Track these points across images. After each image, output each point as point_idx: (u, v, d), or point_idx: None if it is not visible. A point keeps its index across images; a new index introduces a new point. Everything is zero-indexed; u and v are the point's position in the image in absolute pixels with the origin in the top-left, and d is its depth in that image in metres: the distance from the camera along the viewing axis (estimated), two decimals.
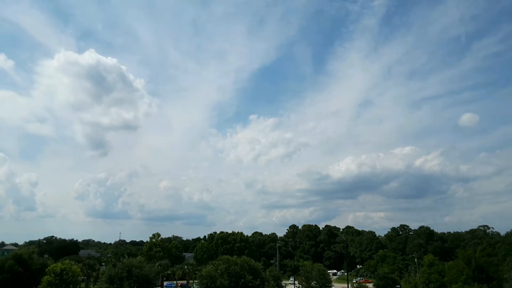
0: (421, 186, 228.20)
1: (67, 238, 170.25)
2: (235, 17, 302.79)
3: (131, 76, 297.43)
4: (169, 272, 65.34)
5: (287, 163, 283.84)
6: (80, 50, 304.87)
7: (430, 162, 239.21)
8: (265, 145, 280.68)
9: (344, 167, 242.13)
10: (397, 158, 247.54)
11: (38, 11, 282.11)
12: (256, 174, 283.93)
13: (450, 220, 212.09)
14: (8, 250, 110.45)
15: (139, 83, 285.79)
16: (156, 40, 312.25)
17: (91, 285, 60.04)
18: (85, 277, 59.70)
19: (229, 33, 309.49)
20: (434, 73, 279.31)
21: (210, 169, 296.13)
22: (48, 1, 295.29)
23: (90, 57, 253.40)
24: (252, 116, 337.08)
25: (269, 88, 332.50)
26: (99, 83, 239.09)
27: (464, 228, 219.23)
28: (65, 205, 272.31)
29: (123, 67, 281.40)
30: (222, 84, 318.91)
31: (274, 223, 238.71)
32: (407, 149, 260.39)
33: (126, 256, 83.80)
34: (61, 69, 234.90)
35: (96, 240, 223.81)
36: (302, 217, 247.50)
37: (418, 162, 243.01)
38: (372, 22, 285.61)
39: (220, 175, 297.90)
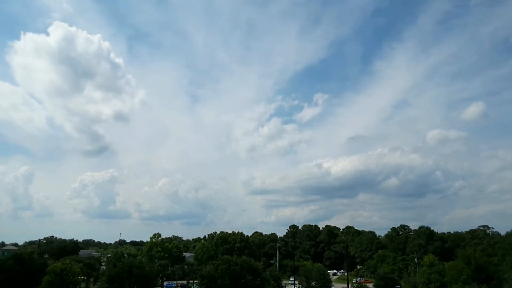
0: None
1: (67, 238, 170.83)
2: (290, 17, 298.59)
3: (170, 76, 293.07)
4: (169, 272, 65.40)
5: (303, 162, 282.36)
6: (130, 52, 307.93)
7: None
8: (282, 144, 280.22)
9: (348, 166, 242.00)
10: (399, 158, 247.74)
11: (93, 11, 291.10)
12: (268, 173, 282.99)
13: None
14: (8, 250, 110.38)
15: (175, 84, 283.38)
16: (206, 41, 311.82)
17: (91, 285, 60.06)
18: (85, 277, 59.67)
19: (279, 33, 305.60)
20: (480, 74, 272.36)
21: (234, 169, 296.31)
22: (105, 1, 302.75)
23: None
24: (275, 119, 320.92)
25: (308, 90, 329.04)
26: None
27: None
28: (64, 205, 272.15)
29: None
30: (262, 85, 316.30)
31: (274, 223, 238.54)
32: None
33: (126, 256, 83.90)
34: None
35: (96, 240, 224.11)
36: (301, 216, 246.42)
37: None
38: (427, 23, 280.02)
39: (239, 175, 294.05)
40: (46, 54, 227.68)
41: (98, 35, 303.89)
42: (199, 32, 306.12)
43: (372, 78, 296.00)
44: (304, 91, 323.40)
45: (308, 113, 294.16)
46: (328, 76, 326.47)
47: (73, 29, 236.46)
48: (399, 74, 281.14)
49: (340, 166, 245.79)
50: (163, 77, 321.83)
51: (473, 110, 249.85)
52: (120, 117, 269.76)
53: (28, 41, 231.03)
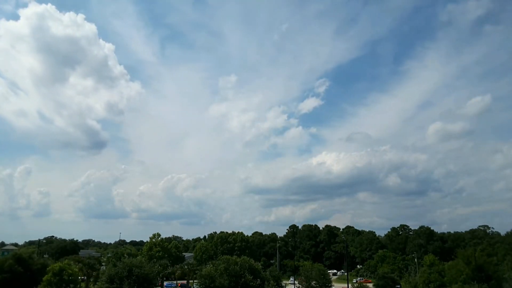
0: None
1: (67, 238, 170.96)
2: (327, 17, 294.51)
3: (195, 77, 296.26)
4: (169, 272, 65.38)
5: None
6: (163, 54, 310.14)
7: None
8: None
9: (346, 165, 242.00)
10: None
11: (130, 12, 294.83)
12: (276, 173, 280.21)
13: None
14: (8, 250, 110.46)
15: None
16: (239, 41, 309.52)
17: (91, 285, 60.05)
18: (85, 277, 59.68)
19: (314, 33, 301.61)
20: (510, 74, 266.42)
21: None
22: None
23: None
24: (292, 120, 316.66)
25: (333, 90, 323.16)
26: None
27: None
28: (64, 204, 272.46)
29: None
30: (289, 85, 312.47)
31: (273, 222, 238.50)
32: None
33: (126, 256, 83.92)
34: None
35: (96, 240, 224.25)
36: (301, 215, 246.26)
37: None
38: (463, 22, 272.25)
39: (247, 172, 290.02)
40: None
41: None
42: (233, 33, 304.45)
43: (401, 78, 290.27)
44: (329, 91, 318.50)
45: (326, 112, 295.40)
46: (356, 76, 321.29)
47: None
48: (428, 74, 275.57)
49: (341, 164, 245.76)
50: (189, 76, 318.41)
51: (477, 104, 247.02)
52: (118, 113, 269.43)
53: None
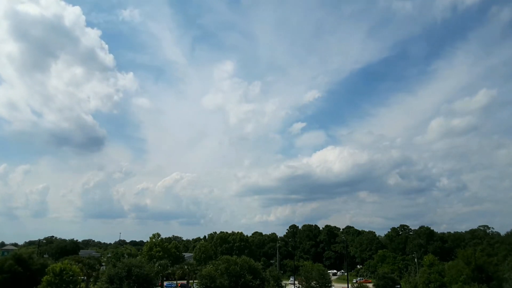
0: None
1: (67, 238, 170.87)
2: (362, 16, 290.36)
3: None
4: (169, 272, 65.40)
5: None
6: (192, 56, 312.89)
7: None
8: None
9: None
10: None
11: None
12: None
13: None
14: (8, 250, 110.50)
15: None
16: (269, 41, 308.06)
17: (91, 285, 60.07)
18: (85, 277, 59.69)
19: (347, 33, 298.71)
20: None
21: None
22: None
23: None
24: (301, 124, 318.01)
25: (358, 89, 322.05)
26: None
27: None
28: (64, 204, 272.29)
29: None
30: (313, 85, 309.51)
31: (273, 222, 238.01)
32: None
33: (126, 256, 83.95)
34: None
35: (96, 240, 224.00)
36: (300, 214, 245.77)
37: None
38: (495, 23, 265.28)
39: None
40: None
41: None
42: (265, 33, 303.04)
43: (428, 78, 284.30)
44: (354, 90, 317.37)
45: (343, 111, 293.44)
46: (382, 76, 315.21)
47: None
48: (454, 74, 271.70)
49: (342, 163, 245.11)
50: (215, 76, 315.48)
51: (481, 98, 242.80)
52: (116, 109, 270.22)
53: None
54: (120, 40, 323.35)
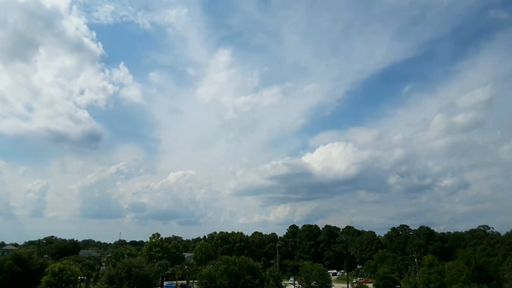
0: None
1: (67, 238, 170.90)
2: (392, 16, 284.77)
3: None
4: (169, 272, 65.35)
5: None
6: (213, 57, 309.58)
7: None
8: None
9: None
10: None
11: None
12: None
13: None
14: (8, 250, 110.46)
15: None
16: (296, 42, 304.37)
17: (91, 285, 60.06)
18: (85, 277, 59.68)
19: (375, 33, 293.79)
20: None
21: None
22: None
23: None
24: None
25: (377, 89, 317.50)
26: None
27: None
28: (63, 204, 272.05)
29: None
30: (332, 86, 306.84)
31: (272, 222, 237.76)
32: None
33: (126, 256, 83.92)
34: None
35: (96, 240, 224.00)
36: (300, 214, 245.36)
37: None
38: None
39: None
40: None
41: None
42: (292, 33, 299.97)
43: (451, 78, 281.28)
44: (371, 91, 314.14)
45: (360, 112, 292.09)
46: (405, 76, 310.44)
47: None
48: (475, 75, 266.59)
49: (341, 162, 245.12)
50: (232, 76, 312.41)
51: (482, 94, 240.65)
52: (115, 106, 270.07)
53: None
54: (145, 40, 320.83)
